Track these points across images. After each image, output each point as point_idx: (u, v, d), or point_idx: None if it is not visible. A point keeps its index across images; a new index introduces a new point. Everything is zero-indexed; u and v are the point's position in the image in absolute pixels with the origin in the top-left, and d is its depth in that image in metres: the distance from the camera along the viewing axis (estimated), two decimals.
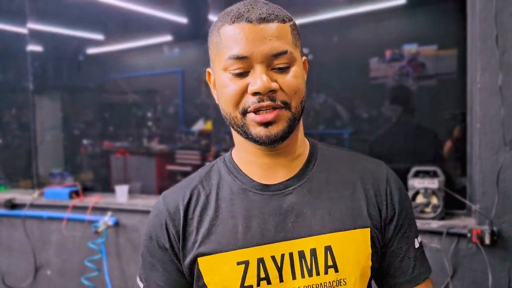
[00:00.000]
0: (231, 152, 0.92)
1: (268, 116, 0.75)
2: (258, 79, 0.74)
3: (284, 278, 0.80)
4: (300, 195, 0.84)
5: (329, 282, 0.80)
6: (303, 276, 0.80)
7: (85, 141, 3.02)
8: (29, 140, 3.09)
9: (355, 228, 0.83)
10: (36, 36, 3.07)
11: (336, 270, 0.81)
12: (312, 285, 0.80)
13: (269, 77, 0.75)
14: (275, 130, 0.77)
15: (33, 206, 2.79)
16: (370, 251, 0.84)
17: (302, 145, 0.88)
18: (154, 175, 2.98)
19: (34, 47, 3.08)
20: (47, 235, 2.78)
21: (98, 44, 2.98)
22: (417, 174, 1.97)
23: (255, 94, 0.75)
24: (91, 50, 2.99)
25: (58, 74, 3.09)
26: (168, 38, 2.81)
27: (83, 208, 2.63)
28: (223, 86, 0.78)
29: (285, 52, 0.75)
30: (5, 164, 3.30)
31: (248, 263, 0.79)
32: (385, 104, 2.21)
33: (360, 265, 0.82)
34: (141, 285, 0.89)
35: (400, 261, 0.88)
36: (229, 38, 0.75)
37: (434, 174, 1.95)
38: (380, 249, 0.86)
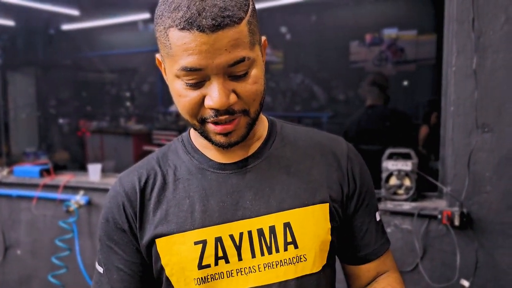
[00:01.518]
0: (189, 131, 0.90)
1: (228, 127, 0.74)
2: (215, 94, 0.69)
3: (243, 257, 0.79)
4: (259, 172, 0.83)
5: (289, 258, 0.80)
6: (262, 254, 0.79)
7: (61, 120, 2.94)
8: None
9: (314, 204, 0.82)
10: (5, 8, 2.95)
11: (296, 247, 0.80)
12: (272, 262, 0.79)
13: (226, 88, 0.70)
14: (234, 137, 0.76)
15: (1, 184, 2.71)
16: (329, 225, 0.83)
17: (260, 127, 0.88)
18: (131, 155, 2.94)
19: (2, 21, 2.96)
20: (17, 214, 2.72)
21: (73, 20, 2.88)
22: (391, 156, 1.98)
23: (212, 108, 0.72)
24: (66, 26, 2.89)
25: (31, 50, 2.99)
26: (146, 15, 2.73)
27: (54, 187, 2.57)
28: (178, 94, 0.73)
29: (242, 60, 0.69)
30: None
31: (206, 242, 0.79)
32: (363, 87, 2.21)
33: (319, 240, 0.82)
34: (100, 269, 0.87)
35: (362, 235, 0.89)
36: (179, 46, 0.67)
37: (407, 157, 1.96)
38: (341, 224, 0.87)
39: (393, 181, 1.95)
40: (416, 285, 1.91)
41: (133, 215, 0.83)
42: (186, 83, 0.71)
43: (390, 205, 1.92)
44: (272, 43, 2.31)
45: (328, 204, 0.83)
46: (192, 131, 0.89)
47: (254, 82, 0.73)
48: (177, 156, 0.87)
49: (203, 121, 0.75)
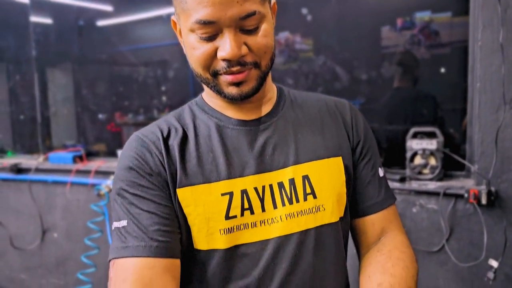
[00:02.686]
0: (201, 96, 0.93)
1: (239, 76, 0.77)
2: (227, 46, 0.73)
3: (266, 208, 0.82)
4: (275, 129, 0.87)
5: (309, 208, 0.84)
6: (283, 205, 0.83)
7: (100, 116, 3.02)
8: (34, 108, 3.12)
9: (329, 157, 0.88)
10: (41, 6, 3.04)
11: (315, 197, 0.85)
12: (293, 212, 0.83)
13: (238, 40, 0.74)
14: (246, 88, 0.79)
15: (38, 170, 2.84)
16: (344, 178, 0.89)
17: (270, 90, 0.92)
18: None
19: (39, 18, 3.06)
20: (52, 198, 2.84)
21: (107, 16, 2.95)
22: (415, 135, 1.95)
23: (224, 59, 0.75)
24: (100, 22, 2.96)
25: (66, 46, 3.08)
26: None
27: (86, 172, 2.66)
28: (192, 47, 0.77)
29: (253, 14, 0.73)
30: (15, 132, 3.33)
31: (233, 194, 0.81)
32: (394, 72, 2.16)
33: (336, 191, 0.87)
34: (122, 223, 0.78)
35: (365, 186, 0.93)
36: (194, 0, 0.72)
37: (433, 135, 1.92)
38: (352, 177, 0.92)
39: (418, 160, 1.92)
40: (443, 265, 1.89)
41: (161, 159, 0.81)
42: (200, 36, 0.75)
43: (415, 185, 1.90)
44: (301, 30, 2.31)
45: (341, 157, 0.89)
46: (204, 94, 0.92)
47: (264, 36, 0.77)
48: (194, 116, 0.89)
49: (215, 74, 0.78)
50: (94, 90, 3.05)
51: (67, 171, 2.73)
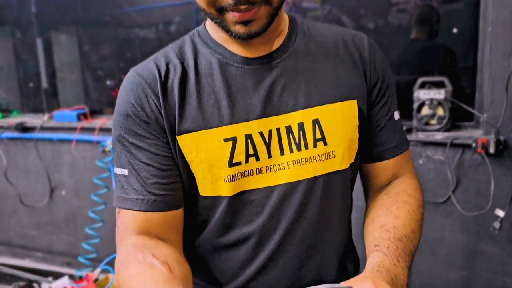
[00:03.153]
0: (204, 25, 0.83)
1: (247, 14, 0.69)
2: None
3: (272, 154, 0.78)
4: (285, 68, 0.79)
5: (318, 155, 0.79)
6: (291, 151, 0.78)
7: (108, 82, 2.97)
8: (38, 71, 3.08)
9: (342, 100, 0.80)
10: None
11: (325, 143, 0.79)
12: (301, 159, 0.78)
13: None
14: (255, 28, 0.71)
15: (43, 128, 2.83)
16: (357, 122, 0.82)
17: (282, 21, 0.82)
18: None
19: None
20: (59, 156, 2.85)
21: None
22: (423, 85, 1.89)
23: None
24: None
25: (70, 9, 2.99)
26: None
27: (91, 130, 2.66)
28: None
29: None
30: (22, 94, 3.31)
31: (236, 139, 0.76)
32: (411, 24, 2.08)
33: (347, 137, 0.81)
34: (124, 171, 0.78)
35: (379, 130, 0.87)
36: None
37: (441, 85, 1.87)
38: (365, 121, 0.85)
39: (425, 110, 1.87)
40: (449, 216, 1.88)
41: (158, 105, 0.76)
42: None
43: (421, 136, 1.86)
44: None
45: (355, 100, 0.82)
46: (208, 24, 0.83)
47: None
48: (196, 50, 0.81)
49: (221, 10, 0.70)
50: (99, 54, 2.99)
51: (72, 129, 2.73)
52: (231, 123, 0.76)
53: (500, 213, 1.73)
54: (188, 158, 0.77)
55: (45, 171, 2.89)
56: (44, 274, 2.97)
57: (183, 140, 0.77)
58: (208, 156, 0.76)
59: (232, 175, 0.77)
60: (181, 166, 0.79)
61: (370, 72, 0.84)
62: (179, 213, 0.80)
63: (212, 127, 0.76)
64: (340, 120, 0.80)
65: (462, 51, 1.97)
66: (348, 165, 0.83)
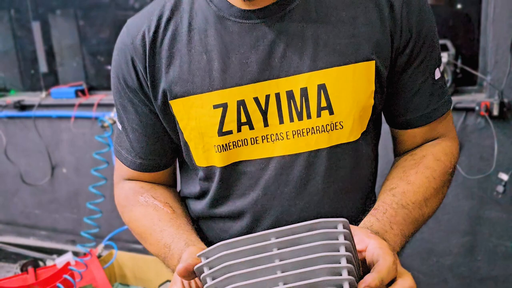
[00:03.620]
0: None
1: None
2: None
3: (269, 122, 0.70)
4: (290, 22, 0.68)
5: (322, 126, 0.69)
6: (291, 120, 0.69)
7: (108, 67, 2.92)
8: (34, 48, 3.04)
9: (356, 62, 0.68)
10: None
11: (331, 112, 0.69)
12: (302, 129, 0.70)
13: None
14: None
15: (41, 106, 2.81)
16: (373, 88, 0.70)
17: None
18: None
19: None
20: (58, 134, 2.83)
21: None
22: None
23: None
24: None
25: None
26: None
27: (89, 106, 2.63)
28: None
29: None
30: (21, 72, 3.27)
31: (227, 106, 0.69)
32: None
33: (360, 106, 0.70)
34: (119, 125, 0.81)
35: (411, 96, 0.74)
36: None
37: (444, 48, 1.82)
38: (386, 85, 0.73)
39: None
40: (452, 181, 1.85)
41: (143, 71, 0.72)
42: None
43: None
44: None
45: (374, 62, 0.69)
46: None
47: None
48: (192, 1, 0.73)
49: None
50: (99, 36, 2.94)
51: (70, 106, 2.70)
52: (222, 88, 0.69)
53: (504, 176, 1.70)
54: (180, 125, 0.74)
55: (45, 149, 2.88)
56: (49, 252, 2.99)
57: (175, 106, 0.72)
58: (198, 124, 0.71)
59: (223, 145, 0.71)
60: (175, 134, 0.78)
61: (401, 30, 0.69)
62: (167, 171, 0.85)
63: (202, 92, 0.70)
64: (352, 86, 0.69)
65: (465, 12, 1.92)
66: (359, 136, 0.73)
